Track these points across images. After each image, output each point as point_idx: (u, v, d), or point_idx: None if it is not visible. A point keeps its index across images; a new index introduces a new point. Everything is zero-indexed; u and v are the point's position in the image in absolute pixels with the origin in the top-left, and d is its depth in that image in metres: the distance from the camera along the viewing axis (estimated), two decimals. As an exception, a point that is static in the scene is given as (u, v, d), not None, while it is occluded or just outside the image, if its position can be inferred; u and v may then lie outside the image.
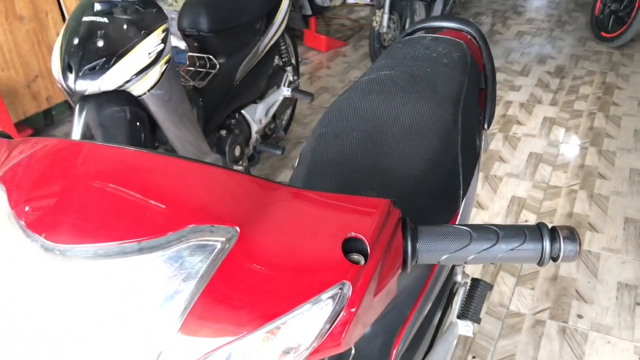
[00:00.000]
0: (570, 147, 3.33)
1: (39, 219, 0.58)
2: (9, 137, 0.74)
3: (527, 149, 3.32)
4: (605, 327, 2.13)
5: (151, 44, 1.85)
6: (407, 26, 4.28)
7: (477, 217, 2.73)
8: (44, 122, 3.60)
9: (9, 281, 0.58)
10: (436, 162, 1.16)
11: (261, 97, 2.85)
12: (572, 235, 0.67)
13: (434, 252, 0.67)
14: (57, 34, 3.30)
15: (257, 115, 2.79)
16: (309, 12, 3.12)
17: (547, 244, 0.67)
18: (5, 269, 0.59)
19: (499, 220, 2.71)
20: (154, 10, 1.90)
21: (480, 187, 2.95)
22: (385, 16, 4.07)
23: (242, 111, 2.69)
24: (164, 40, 1.89)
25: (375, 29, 4.15)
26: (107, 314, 0.54)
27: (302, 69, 4.30)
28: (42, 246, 0.56)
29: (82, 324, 0.55)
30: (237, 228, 0.58)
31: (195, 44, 2.49)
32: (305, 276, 0.56)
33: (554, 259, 0.67)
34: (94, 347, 0.54)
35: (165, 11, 1.98)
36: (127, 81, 1.82)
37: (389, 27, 4.14)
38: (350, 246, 0.60)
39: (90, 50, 1.79)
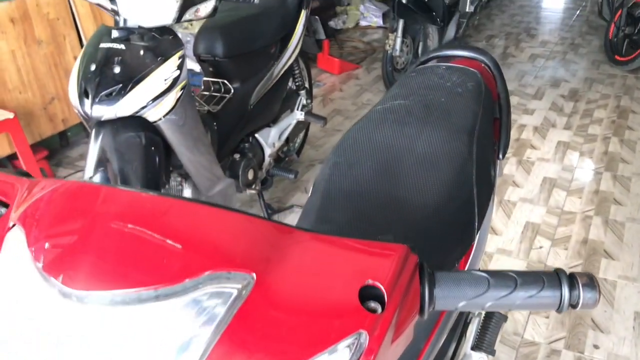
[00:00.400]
0: (584, 172, 3.31)
1: (56, 262, 0.58)
2: (29, 175, 0.75)
3: (541, 173, 3.30)
4: (623, 357, 2.09)
5: (167, 70, 1.87)
6: (420, 50, 4.30)
7: (491, 242, 2.71)
8: (59, 143, 3.64)
9: (25, 324, 0.58)
10: (451, 194, 1.15)
11: (275, 120, 2.86)
12: (591, 282, 0.66)
13: (452, 299, 0.66)
14: (74, 58, 3.36)
15: (270, 139, 2.80)
16: (322, 36, 3.14)
17: (565, 291, 0.66)
18: (21, 311, 0.59)
19: (513, 246, 2.69)
20: (170, 37, 1.92)
21: (494, 213, 2.93)
22: (398, 39, 4.09)
23: (256, 135, 2.71)
24: (180, 67, 1.91)
25: (388, 52, 4.17)
26: None
27: (315, 91, 4.33)
28: (60, 291, 0.57)
29: (97, 370, 0.54)
30: (254, 275, 0.58)
31: (211, 68, 2.52)
32: (322, 325, 0.56)
33: (573, 306, 0.67)
34: (109, 394, 0.54)
35: (180, 34, 2.00)
36: (143, 107, 1.83)
37: (401, 50, 4.16)
38: (367, 293, 0.59)
39: (107, 76, 1.81)
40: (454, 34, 4.63)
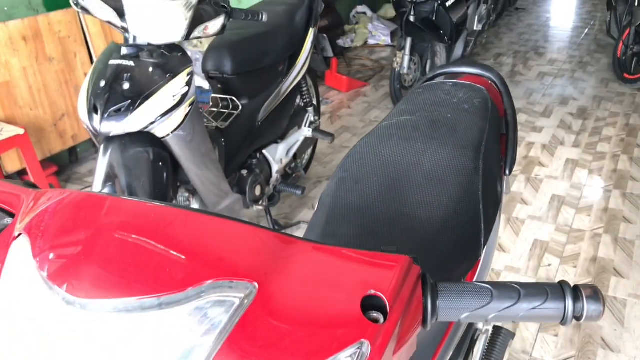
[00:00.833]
0: (593, 189, 3.29)
1: (61, 271, 0.59)
2: (35, 186, 0.75)
3: (549, 191, 3.28)
4: (633, 377, 2.06)
5: (176, 86, 1.89)
6: (427, 67, 4.31)
7: (499, 260, 2.69)
8: (69, 159, 3.67)
9: (29, 332, 0.58)
10: (457, 210, 1.15)
11: (282, 137, 2.88)
12: (596, 294, 0.65)
13: (455, 310, 0.66)
14: (85, 75, 3.39)
15: (278, 155, 2.81)
16: (330, 54, 3.17)
17: (569, 303, 0.65)
18: (26, 319, 0.59)
19: (521, 263, 2.67)
20: (179, 54, 1.94)
21: (502, 230, 2.92)
22: (406, 57, 4.11)
23: (264, 151, 2.72)
24: (189, 83, 1.93)
25: (396, 69, 4.19)
26: None
27: (323, 108, 4.35)
28: (64, 299, 0.57)
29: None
30: (256, 284, 0.58)
31: (219, 85, 2.54)
32: (324, 334, 0.56)
33: (577, 319, 0.66)
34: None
35: (190, 52, 2.02)
36: (152, 123, 1.85)
37: (409, 68, 4.17)
38: (369, 303, 0.59)
39: (116, 92, 1.83)
40: (462, 52, 4.64)
